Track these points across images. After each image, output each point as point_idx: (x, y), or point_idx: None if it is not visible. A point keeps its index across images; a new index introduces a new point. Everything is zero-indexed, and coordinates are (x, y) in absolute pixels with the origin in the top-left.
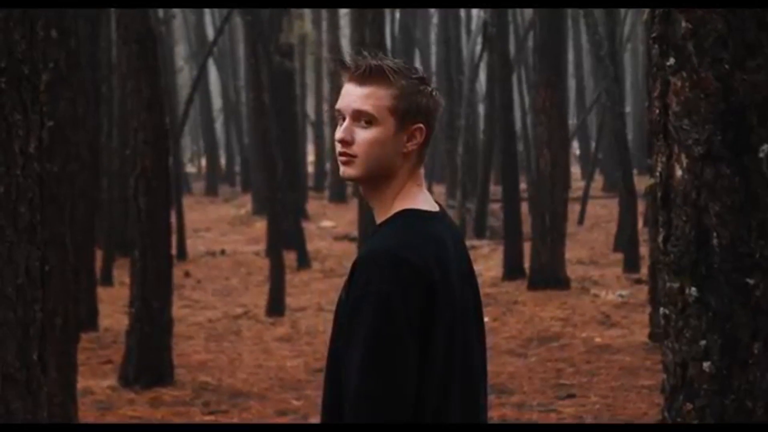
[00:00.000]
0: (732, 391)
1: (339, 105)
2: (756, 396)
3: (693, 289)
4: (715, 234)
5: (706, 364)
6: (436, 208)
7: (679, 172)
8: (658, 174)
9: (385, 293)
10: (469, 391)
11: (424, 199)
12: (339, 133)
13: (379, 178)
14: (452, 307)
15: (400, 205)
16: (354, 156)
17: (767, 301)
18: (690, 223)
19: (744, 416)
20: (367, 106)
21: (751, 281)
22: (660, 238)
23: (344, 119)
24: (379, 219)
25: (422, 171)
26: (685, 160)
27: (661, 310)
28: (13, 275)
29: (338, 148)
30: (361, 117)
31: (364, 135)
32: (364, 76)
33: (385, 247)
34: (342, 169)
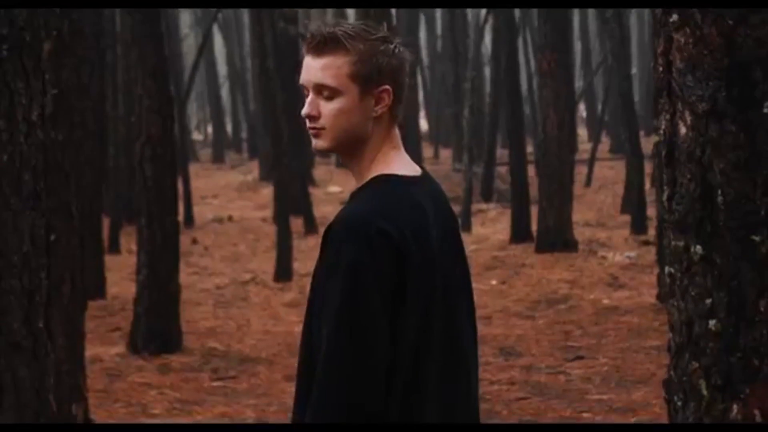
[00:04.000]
0: (739, 349)
1: (301, 80)
2: (763, 354)
3: (698, 247)
4: (720, 191)
5: (712, 323)
6: (415, 171)
7: (683, 130)
8: (662, 132)
9: (356, 262)
10: (453, 357)
11: (401, 163)
12: (304, 109)
13: (351, 145)
14: (430, 274)
15: (376, 171)
16: (322, 128)
17: None
18: (694, 180)
19: (751, 374)
20: (326, 79)
21: (757, 238)
22: (664, 197)
23: (308, 93)
24: (358, 185)
25: (397, 132)
26: (689, 117)
27: (666, 268)
28: (18, 243)
29: (307, 122)
30: (322, 90)
31: (328, 107)
32: (319, 47)
33: (356, 215)
34: (313, 141)
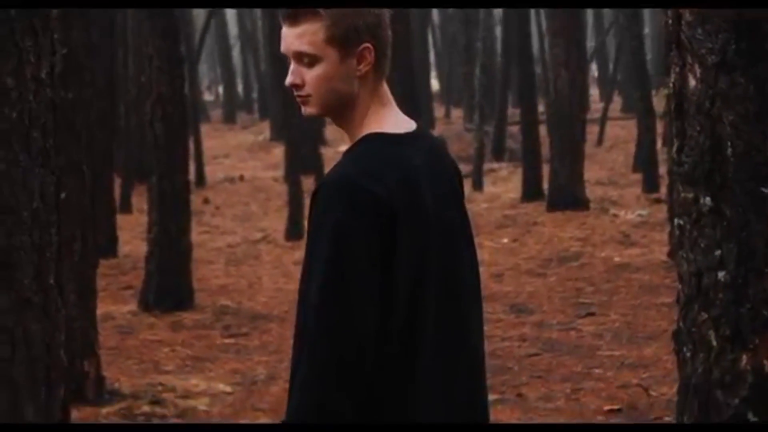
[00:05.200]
0: (748, 299)
1: (282, 49)
2: None
3: (707, 199)
4: (729, 143)
5: (721, 274)
6: (408, 128)
7: (692, 82)
8: (671, 84)
9: (341, 223)
10: (453, 321)
11: (392, 120)
12: (287, 79)
13: (340, 108)
14: (423, 236)
15: (366, 129)
16: (308, 96)
17: None
18: (704, 133)
19: (760, 325)
20: (303, 46)
21: (765, 190)
22: (674, 149)
23: (290, 62)
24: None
25: (386, 88)
26: (698, 70)
27: (676, 220)
28: (29, 200)
29: (293, 91)
30: (302, 57)
31: (310, 74)
32: (294, 15)
33: (343, 176)
34: (302, 108)
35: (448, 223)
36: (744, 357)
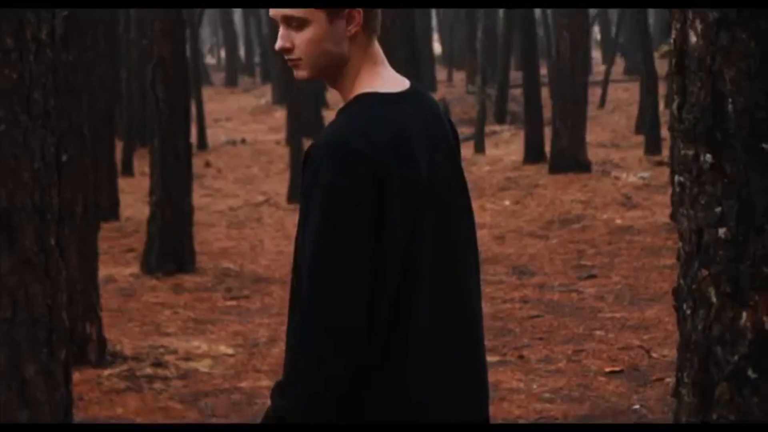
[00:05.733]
0: (748, 256)
1: (270, 14)
2: None
3: (708, 155)
4: (730, 100)
5: (721, 231)
6: (402, 86)
7: (693, 38)
8: (672, 41)
9: (333, 184)
10: (448, 283)
11: (384, 79)
12: (277, 43)
13: (331, 70)
14: (415, 197)
15: (358, 89)
16: (299, 59)
17: None
18: (705, 89)
19: (760, 282)
20: (291, 10)
21: (766, 146)
22: (674, 106)
23: (280, 26)
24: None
25: (378, 47)
26: (699, 26)
27: (676, 177)
28: (29, 161)
29: (284, 55)
30: (290, 21)
31: (300, 38)
32: None
33: (334, 137)
34: (294, 72)
35: (442, 183)
36: (744, 314)
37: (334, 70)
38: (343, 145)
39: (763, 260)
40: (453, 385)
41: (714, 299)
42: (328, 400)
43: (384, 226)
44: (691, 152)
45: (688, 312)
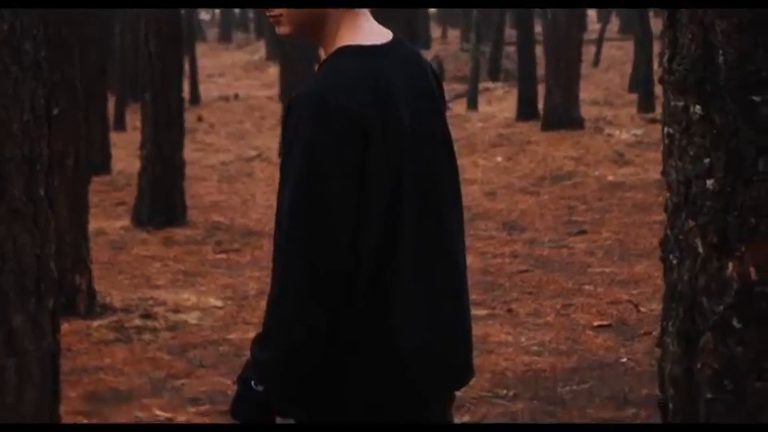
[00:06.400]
0: (735, 207)
1: None
2: (760, 213)
3: (698, 107)
4: (720, 51)
5: (709, 182)
6: (384, 39)
7: None
8: None
9: (313, 138)
10: (432, 241)
11: (367, 32)
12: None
13: (312, 25)
14: (397, 151)
15: (339, 42)
16: (279, 15)
17: None
18: (696, 41)
19: (747, 232)
20: None
21: (756, 98)
22: (665, 57)
23: None
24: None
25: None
26: None
27: (666, 129)
28: (19, 112)
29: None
30: None
31: None
32: None
33: (313, 91)
34: (276, 29)
35: (426, 136)
36: (730, 264)
37: (314, 25)
38: (324, 98)
39: (751, 211)
40: (436, 337)
41: (701, 250)
42: (308, 353)
43: (366, 180)
44: (680, 104)
45: (675, 262)
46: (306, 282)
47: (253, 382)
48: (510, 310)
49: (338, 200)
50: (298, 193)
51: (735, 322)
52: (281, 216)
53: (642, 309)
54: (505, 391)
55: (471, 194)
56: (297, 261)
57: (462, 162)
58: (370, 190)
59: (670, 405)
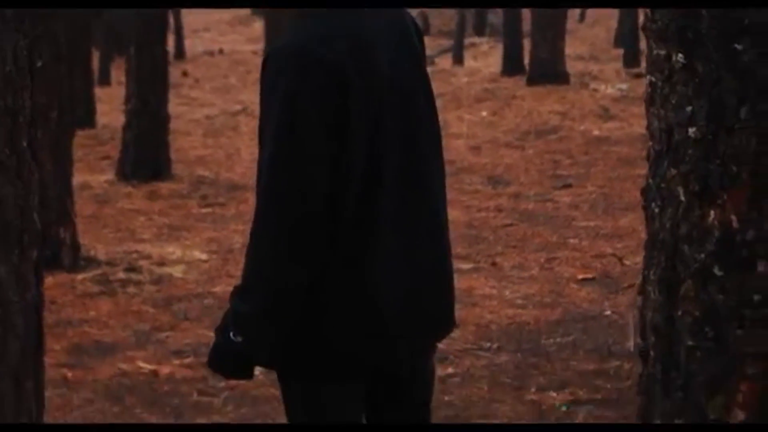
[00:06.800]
0: (717, 155)
1: None
2: (741, 161)
3: (680, 55)
4: None
5: (691, 130)
6: None
7: None
8: None
9: (291, 90)
10: (413, 182)
11: None
12: None
13: None
14: (378, 98)
15: None
16: None
17: (755, 66)
18: None
19: (729, 180)
20: None
21: (739, 47)
22: (648, 6)
23: None
24: None
25: None
26: None
27: (648, 77)
28: (1, 63)
29: None
30: None
31: None
32: None
33: (291, 42)
34: None
35: (406, 86)
36: (712, 212)
37: None
38: (301, 51)
39: (732, 159)
40: (417, 287)
41: (682, 198)
42: (287, 304)
43: (346, 131)
44: (663, 52)
45: (656, 211)
46: (285, 234)
47: (231, 334)
48: (494, 264)
49: (317, 152)
50: (276, 145)
51: (716, 270)
52: (261, 165)
53: (626, 262)
54: (489, 344)
55: (456, 149)
56: (275, 213)
57: (447, 117)
58: (351, 141)
59: (651, 353)
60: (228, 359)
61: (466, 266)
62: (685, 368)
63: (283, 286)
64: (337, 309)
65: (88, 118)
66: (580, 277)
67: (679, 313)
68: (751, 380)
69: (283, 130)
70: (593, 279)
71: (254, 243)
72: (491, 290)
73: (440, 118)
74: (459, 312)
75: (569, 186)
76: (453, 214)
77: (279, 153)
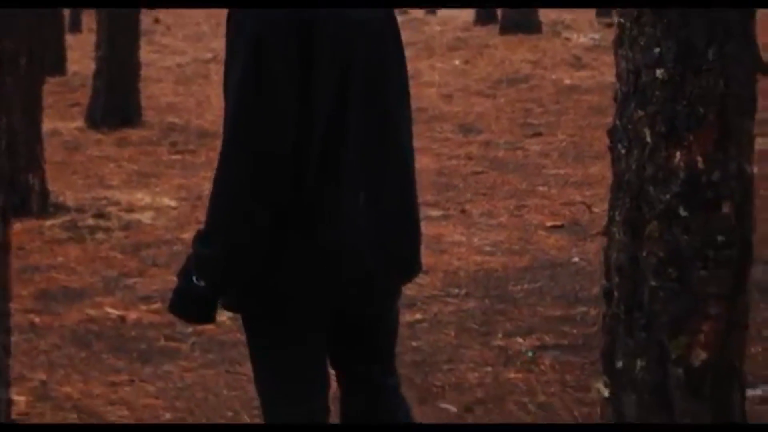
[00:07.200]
0: (684, 97)
1: None
2: (708, 102)
3: None
4: None
5: (659, 71)
6: None
7: None
8: None
9: (257, 37)
10: (379, 126)
11: None
12: None
13: None
14: (345, 43)
15: None
16: None
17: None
18: None
19: (695, 121)
20: None
21: None
22: None
23: None
24: None
25: None
26: None
27: (616, 18)
28: None
29: None
30: None
31: None
32: None
33: None
34: None
35: (373, 29)
36: (678, 153)
37: None
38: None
39: (699, 100)
40: (381, 230)
41: (649, 139)
42: (250, 248)
43: (311, 76)
44: None
45: (623, 152)
46: (248, 179)
47: (194, 278)
48: (464, 211)
49: (281, 97)
50: (242, 89)
51: (681, 211)
52: (225, 113)
53: (595, 210)
54: (457, 290)
55: (428, 97)
56: (239, 158)
57: (419, 65)
58: (315, 86)
59: (615, 293)
60: (190, 303)
61: (435, 213)
62: (649, 308)
63: (245, 230)
64: (300, 253)
65: (58, 66)
66: (549, 224)
67: (644, 253)
68: (713, 320)
69: (248, 74)
70: (562, 226)
71: (217, 187)
72: (460, 237)
73: (413, 67)
74: (427, 259)
75: (540, 134)
76: (423, 161)
77: (244, 97)
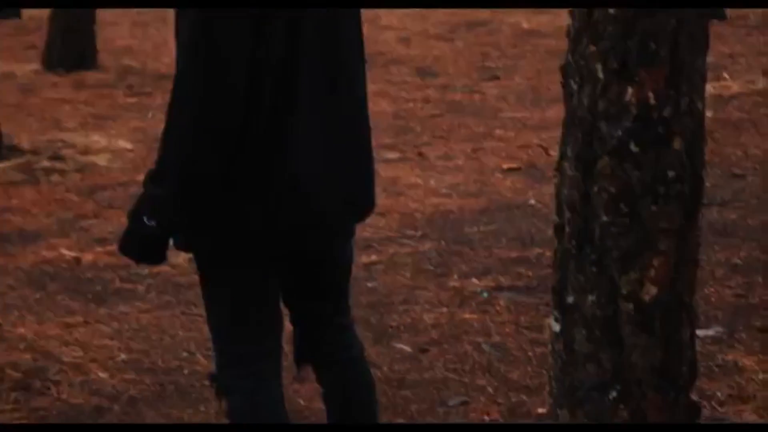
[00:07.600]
0: (636, 33)
1: None
2: (660, 38)
3: None
4: None
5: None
6: None
7: None
8: None
9: None
10: (333, 72)
11: None
12: None
13: None
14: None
15: None
16: None
17: None
18: None
19: (647, 58)
20: None
21: None
22: None
23: None
24: None
25: None
26: None
27: None
28: None
29: None
30: None
31: None
32: None
33: None
34: None
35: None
36: (629, 89)
37: None
38: None
39: (651, 37)
40: (334, 170)
41: (601, 75)
42: (201, 186)
43: (262, 29)
44: None
45: (575, 88)
46: (199, 118)
47: (145, 218)
48: (420, 154)
49: (233, 41)
50: (193, 31)
51: (632, 147)
52: (177, 55)
53: (551, 153)
54: (412, 232)
55: (385, 40)
56: (190, 98)
57: (376, 10)
58: (267, 29)
59: (566, 229)
60: (141, 243)
61: (392, 156)
62: (600, 244)
63: (196, 169)
64: (252, 192)
65: (13, 9)
66: (506, 167)
67: (595, 189)
68: (664, 255)
69: (201, 17)
70: (518, 169)
71: (168, 127)
72: (417, 180)
73: (371, 11)
74: (384, 201)
75: (497, 78)
76: (380, 104)
77: (195, 40)
